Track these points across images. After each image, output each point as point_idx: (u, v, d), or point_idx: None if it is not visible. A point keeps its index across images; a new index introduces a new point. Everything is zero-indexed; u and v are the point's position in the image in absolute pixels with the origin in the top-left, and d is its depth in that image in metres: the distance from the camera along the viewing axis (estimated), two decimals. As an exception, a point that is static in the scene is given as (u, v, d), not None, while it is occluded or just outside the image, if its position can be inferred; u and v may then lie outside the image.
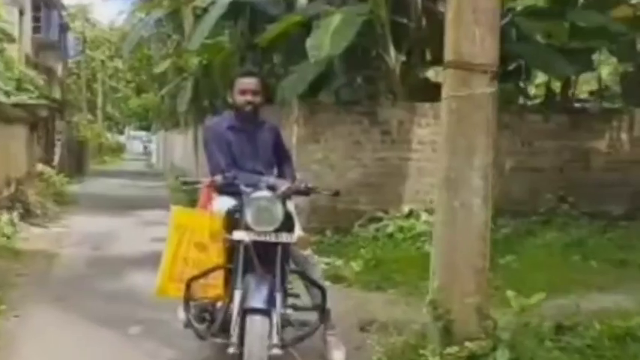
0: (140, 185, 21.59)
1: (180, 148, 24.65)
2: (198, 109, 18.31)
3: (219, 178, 4.15)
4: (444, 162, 4.05)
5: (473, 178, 3.97)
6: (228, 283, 4.20)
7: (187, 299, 4.04)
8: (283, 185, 4.15)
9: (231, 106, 4.73)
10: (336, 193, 4.39)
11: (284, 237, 3.91)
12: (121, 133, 63.21)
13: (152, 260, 8.04)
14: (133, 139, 61.49)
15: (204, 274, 4.08)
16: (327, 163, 8.91)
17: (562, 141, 9.39)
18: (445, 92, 4.01)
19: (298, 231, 4.26)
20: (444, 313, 3.95)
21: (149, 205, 15.15)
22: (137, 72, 39.84)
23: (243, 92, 4.48)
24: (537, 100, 12.45)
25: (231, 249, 4.09)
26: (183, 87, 16.81)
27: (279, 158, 4.78)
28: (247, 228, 3.90)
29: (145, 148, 55.44)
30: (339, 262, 7.58)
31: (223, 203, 4.38)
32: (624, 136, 9.52)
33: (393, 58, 9.66)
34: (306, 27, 10.97)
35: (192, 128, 20.02)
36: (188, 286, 4.07)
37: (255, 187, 4.07)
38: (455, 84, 3.96)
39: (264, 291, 3.73)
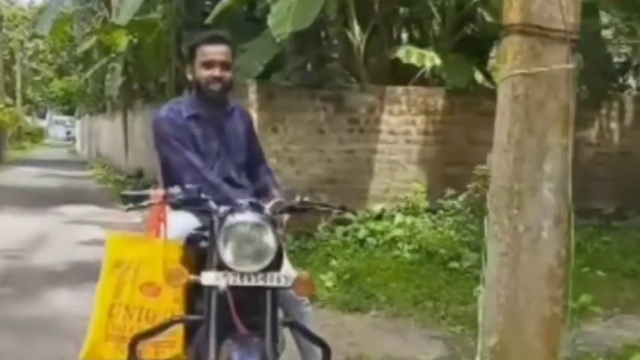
0: (64, 175, 19.69)
1: (107, 135, 22.84)
2: (127, 92, 16.72)
3: (176, 191, 2.84)
4: (500, 169, 2.87)
5: (543, 191, 2.80)
6: (190, 341, 2.94)
7: (132, 364, 2.77)
8: (271, 201, 2.90)
9: (189, 86, 3.45)
10: (343, 208, 3.14)
11: (277, 279, 2.66)
12: (43, 117, 60.22)
13: (81, 273, 6.70)
14: (56, 124, 58.71)
15: (157, 329, 2.82)
16: (287, 156, 7.63)
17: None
18: (505, 69, 2.81)
19: (287, 265, 3.02)
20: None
21: (75, 199, 13.55)
22: (59, 53, 37.70)
23: (209, 65, 3.20)
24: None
25: (193, 291, 2.83)
26: (111, 69, 15.17)
27: (252, 157, 3.53)
28: (222, 266, 2.63)
29: (68, 133, 53.14)
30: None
31: (182, 224, 3.10)
32: (614, 125, 8.59)
33: (358, 35, 8.46)
34: (251, 3, 9.82)
35: (122, 113, 18.37)
36: (133, 345, 2.80)
37: (230, 203, 2.82)
38: (520, 58, 2.76)
39: (252, 364, 2.49)
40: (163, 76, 15.30)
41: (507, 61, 2.81)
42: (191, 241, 3.06)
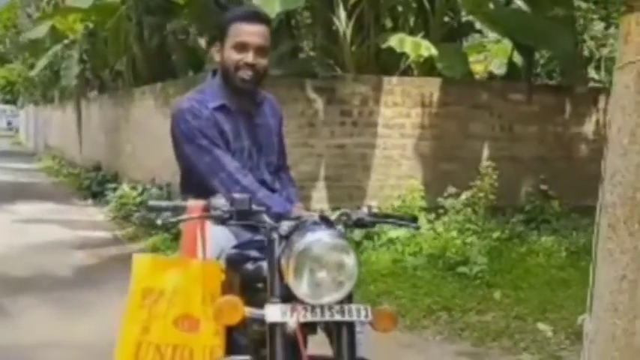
0: (10, 168, 18.57)
1: (57, 126, 21.75)
2: (81, 81, 15.78)
3: (220, 202, 2.27)
4: (619, 175, 2.37)
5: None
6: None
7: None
8: (337, 213, 2.36)
9: (213, 71, 2.87)
10: (415, 220, 2.60)
11: (357, 312, 2.12)
12: (-21, 106, 58.01)
13: (40, 287, 6.01)
14: (-4, 114, 56.58)
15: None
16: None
17: (545, 125, 7.98)
18: (629, 53, 2.31)
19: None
20: None
21: (24, 194, 12.62)
22: (1, 40, 36.05)
23: (243, 47, 2.65)
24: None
25: (235, 326, 2.27)
26: (67, 56, 14.24)
27: (280, 160, 2.99)
28: (289, 297, 2.08)
29: (9, 123, 51.17)
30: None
31: (218, 242, 2.53)
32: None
33: (344, 21, 7.92)
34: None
35: (74, 103, 17.40)
36: (165, 392, 2.24)
37: (285, 217, 2.28)
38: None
39: None
40: (120, 65, 14.53)
41: (629, 43, 2.31)
42: (232, 262, 2.50)
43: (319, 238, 2.09)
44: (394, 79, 7.46)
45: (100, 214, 10.46)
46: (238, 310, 2.09)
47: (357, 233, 6.75)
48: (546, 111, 7.99)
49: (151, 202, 2.36)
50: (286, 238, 2.18)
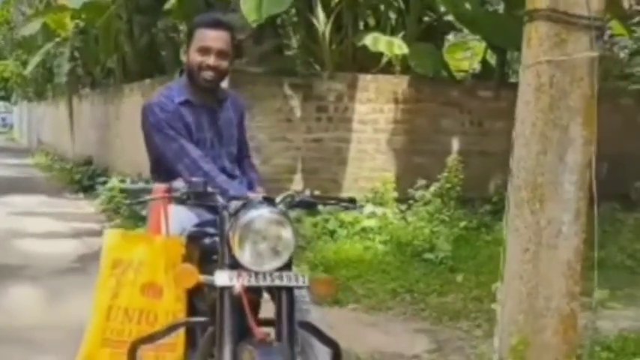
0: (5, 163, 18.94)
1: (50, 122, 22.07)
2: (73, 78, 16.12)
3: (179, 184, 2.64)
4: (522, 161, 2.76)
5: (564, 184, 2.70)
6: (191, 343, 2.77)
7: (131, 370, 2.58)
8: (281, 195, 2.73)
9: (181, 70, 3.26)
10: (353, 202, 2.98)
11: (295, 278, 2.50)
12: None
13: (33, 274, 6.39)
14: (-10, 110, 56.63)
15: (159, 334, 2.64)
16: (252, 145, 7.33)
17: (513, 121, 8.33)
18: (530, 56, 2.70)
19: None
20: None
21: (18, 188, 12.98)
22: (-6, 36, 36.22)
23: (205, 51, 3.00)
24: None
25: (192, 290, 2.66)
26: (59, 53, 14.57)
27: (240, 149, 3.36)
28: (236, 265, 2.46)
29: (4, 119, 51.19)
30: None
31: (181, 220, 2.90)
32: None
33: (322, 21, 8.28)
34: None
35: (66, 100, 17.74)
36: (132, 350, 2.61)
37: (235, 197, 2.65)
38: (546, 45, 2.65)
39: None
40: (111, 62, 14.85)
41: (531, 48, 2.69)
42: (192, 238, 2.88)
43: (260, 214, 2.46)
44: (368, 77, 7.83)
45: (90, 207, 10.82)
46: (194, 275, 2.47)
47: (333, 223, 7.15)
48: (514, 107, 8.34)
49: (123, 186, 2.75)
50: (235, 215, 2.56)
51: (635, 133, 8.99)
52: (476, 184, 7.81)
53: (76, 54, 15.26)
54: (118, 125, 12.20)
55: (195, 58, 3.02)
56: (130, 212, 9.11)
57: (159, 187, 2.68)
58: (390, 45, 7.90)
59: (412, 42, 8.30)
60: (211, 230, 2.88)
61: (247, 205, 2.56)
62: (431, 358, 4.47)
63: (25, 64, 20.94)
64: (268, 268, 2.45)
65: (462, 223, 7.16)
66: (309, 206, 2.83)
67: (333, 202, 2.94)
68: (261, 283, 2.45)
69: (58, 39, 15.09)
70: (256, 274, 2.44)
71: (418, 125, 7.97)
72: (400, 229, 6.95)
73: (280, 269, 2.48)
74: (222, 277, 2.43)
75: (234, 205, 2.57)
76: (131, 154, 10.73)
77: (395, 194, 7.45)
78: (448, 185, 7.02)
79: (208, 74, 3.00)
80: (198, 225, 2.96)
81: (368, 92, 7.79)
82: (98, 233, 8.78)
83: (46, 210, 10.32)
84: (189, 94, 3.08)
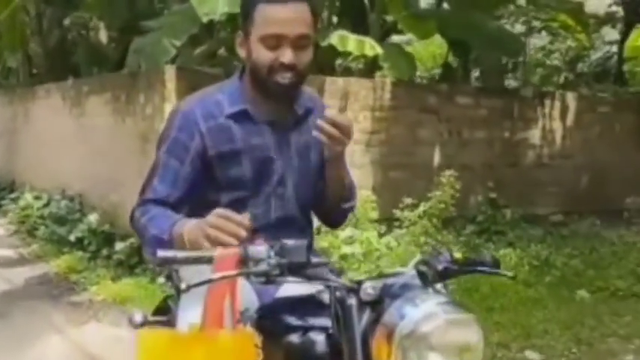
0: None
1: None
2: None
3: (260, 249, 1.59)
4: None
5: None
6: None
7: None
8: (438, 263, 1.69)
9: (241, 68, 2.09)
10: (497, 263, 1.96)
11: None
12: None
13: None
14: None
15: None
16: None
17: (493, 131, 7.59)
18: None
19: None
20: None
21: None
22: None
23: (276, 41, 1.91)
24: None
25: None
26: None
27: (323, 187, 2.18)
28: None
29: None
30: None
31: (245, 301, 1.83)
32: (557, 125, 7.97)
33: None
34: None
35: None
36: None
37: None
38: None
39: None
40: (11, 60, 13.35)
41: None
42: (263, 332, 1.81)
43: (432, 313, 1.45)
44: (340, 81, 6.87)
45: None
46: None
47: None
48: (494, 115, 7.61)
49: (161, 253, 1.61)
50: (371, 304, 1.53)
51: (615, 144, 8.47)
52: (457, 201, 6.98)
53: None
54: (28, 131, 10.65)
55: (261, 53, 1.92)
56: (51, 234, 7.76)
57: (227, 255, 1.60)
58: (361, 45, 6.94)
59: (379, 42, 7.42)
60: (291, 318, 1.83)
61: (395, 288, 1.54)
62: None
63: None
64: None
65: (455, 248, 6.30)
66: (452, 277, 1.82)
67: (481, 269, 1.91)
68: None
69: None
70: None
71: (394, 135, 7.05)
72: (387, 257, 6.01)
73: None
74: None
75: (372, 288, 1.55)
76: (48, 165, 9.29)
77: (375, 215, 6.49)
78: (441, 205, 6.15)
79: (285, 77, 1.92)
80: (264, 308, 1.90)
81: (340, 99, 6.79)
82: (13, 262, 7.38)
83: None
84: (249, 104, 2.01)
